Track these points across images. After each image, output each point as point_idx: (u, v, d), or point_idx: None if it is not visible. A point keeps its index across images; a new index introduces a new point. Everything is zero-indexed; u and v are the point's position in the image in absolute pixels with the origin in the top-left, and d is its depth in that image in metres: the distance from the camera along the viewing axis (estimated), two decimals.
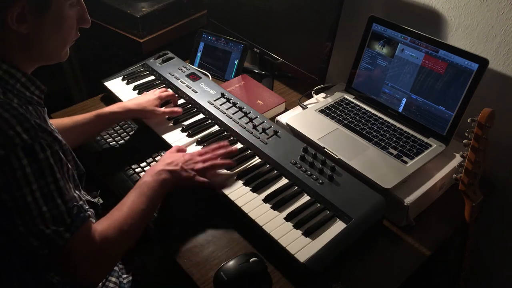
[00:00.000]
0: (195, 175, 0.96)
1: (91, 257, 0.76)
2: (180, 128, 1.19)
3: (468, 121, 0.91)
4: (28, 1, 0.71)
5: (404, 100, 1.17)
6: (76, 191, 0.78)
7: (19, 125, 0.68)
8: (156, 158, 1.12)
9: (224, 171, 1.04)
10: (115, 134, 1.20)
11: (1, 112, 0.68)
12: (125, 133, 1.21)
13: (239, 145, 1.13)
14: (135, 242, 0.86)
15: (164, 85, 1.36)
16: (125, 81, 1.38)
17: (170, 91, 1.26)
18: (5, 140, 0.67)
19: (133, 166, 1.10)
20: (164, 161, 0.97)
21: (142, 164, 1.10)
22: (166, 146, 1.15)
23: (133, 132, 1.22)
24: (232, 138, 1.15)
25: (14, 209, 0.69)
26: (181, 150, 1.05)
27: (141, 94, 1.32)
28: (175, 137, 1.17)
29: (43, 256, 0.71)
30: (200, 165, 0.98)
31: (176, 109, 1.22)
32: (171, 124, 1.21)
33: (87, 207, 0.80)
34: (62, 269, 0.76)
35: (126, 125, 1.24)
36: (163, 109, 1.20)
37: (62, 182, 0.73)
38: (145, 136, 1.21)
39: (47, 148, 0.71)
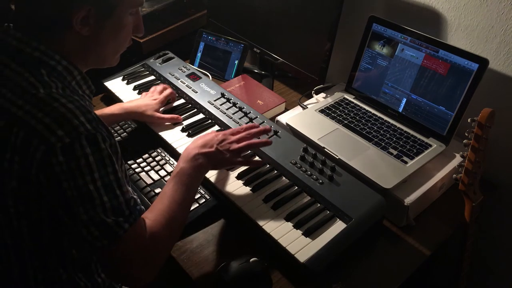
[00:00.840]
0: (231, 156, 0.94)
1: (143, 253, 0.75)
2: (180, 128, 1.19)
3: (468, 121, 0.91)
4: (95, 6, 0.73)
5: (404, 100, 1.17)
6: (129, 186, 0.79)
7: (82, 115, 0.70)
8: (153, 155, 1.12)
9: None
10: (115, 134, 1.20)
11: (65, 102, 0.69)
12: (124, 133, 1.21)
13: None
14: (182, 229, 0.85)
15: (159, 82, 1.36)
16: (125, 81, 1.38)
17: (168, 90, 1.26)
18: (71, 128, 0.68)
19: (133, 166, 1.10)
20: (197, 144, 0.94)
21: (142, 164, 1.10)
22: (166, 145, 1.15)
23: (131, 130, 1.22)
24: None
25: (77, 197, 0.69)
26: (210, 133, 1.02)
27: (141, 94, 1.32)
28: (175, 136, 1.17)
29: (101, 247, 0.71)
30: (235, 145, 0.95)
31: (176, 116, 1.21)
32: (171, 124, 1.21)
33: (139, 201, 0.79)
34: (114, 264, 0.74)
35: (126, 125, 1.23)
36: (162, 115, 1.20)
37: (120, 173, 0.74)
38: (144, 134, 1.20)
39: (107, 139, 0.72)
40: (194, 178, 0.89)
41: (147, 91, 1.33)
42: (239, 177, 1.04)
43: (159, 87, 1.28)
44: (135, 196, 0.77)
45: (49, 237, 0.77)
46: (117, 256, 0.73)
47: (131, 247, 0.73)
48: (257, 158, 1.04)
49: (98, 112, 1.13)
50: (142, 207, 0.78)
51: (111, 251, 0.72)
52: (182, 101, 1.30)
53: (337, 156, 1.06)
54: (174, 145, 1.14)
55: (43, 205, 0.73)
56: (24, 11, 0.75)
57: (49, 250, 0.78)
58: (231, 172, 1.05)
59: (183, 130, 1.19)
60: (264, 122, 1.15)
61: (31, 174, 0.69)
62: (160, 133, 1.18)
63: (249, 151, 1.05)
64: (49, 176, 0.68)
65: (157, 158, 1.12)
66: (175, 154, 1.13)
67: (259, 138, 1.02)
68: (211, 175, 1.04)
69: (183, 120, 1.22)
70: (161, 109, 1.25)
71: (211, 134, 0.97)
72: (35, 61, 0.73)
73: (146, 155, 1.13)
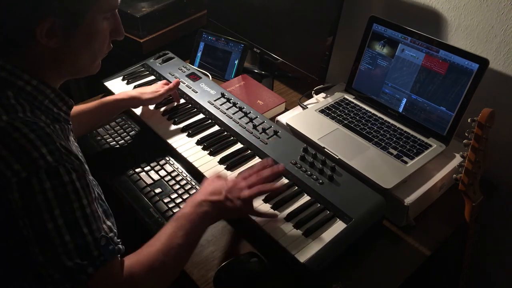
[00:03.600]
0: (241, 204, 0.86)
1: None
2: (180, 128, 1.19)
3: (468, 121, 0.91)
4: (59, 16, 0.68)
5: (404, 100, 1.17)
6: (108, 221, 0.73)
7: (44, 146, 0.64)
8: (160, 163, 1.12)
9: (266, 207, 0.95)
10: (115, 134, 1.20)
11: (27, 132, 0.64)
12: (125, 133, 1.21)
13: (239, 145, 1.13)
14: (170, 283, 0.77)
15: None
16: (125, 81, 1.38)
17: (172, 83, 1.26)
18: (29, 161, 0.63)
19: (133, 167, 1.10)
20: (205, 190, 0.87)
21: (142, 164, 1.10)
22: (166, 146, 1.15)
23: (133, 132, 1.22)
24: (232, 138, 1.15)
25: (33, 236, 0.63)
26: (221, 177, 0.93)
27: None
28: (175, 136, 1.17)
29: None
30: (246, 192, 0.86)
31: (173, 82, 1.23)
32: (171, 124, 1.21)
33: (119, 240, 0.73)
34: None
35: (126, 125, 1.23)
36: (163, 88, 1.21)
37: (89, 209, 0.67)
38: (145, 136, 1.20)
39: (72, 172, 0.66)
40: (195, 226, 0.80)
41: None
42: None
43: (161, 82, 1.29)
44: (110, 234, 0.70)
45: (10, 276, 0.70)
46: None
47: None
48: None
49: (102, 99, 1.14)
50: (120, 246, 0.71)
51: None
52: (182, 101, 1.30)
53: (337, 156, 1.06)
54: (174, 145, 1.14)
55: (3, 240, 0.67)
56: None
57: (24, 277, 0.71)
58: (231, 172, 1.05)
59: (183, 130, 1.19)
60: (264, 122, 1.15)
61: None
62: (160, 134, 1.18)
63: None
64: (6, 213, 0.63)
65: (157, 158, 1.12)
66: (175, 154, 1.13)
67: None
68: (211, 174, 1.04)
69: (183, 121, 1.22)
70: (161, 109, 1.25)
71: (221, 181, 0.89)
72: (1, 82, 0.68)
73: (154, 163, 1.12)
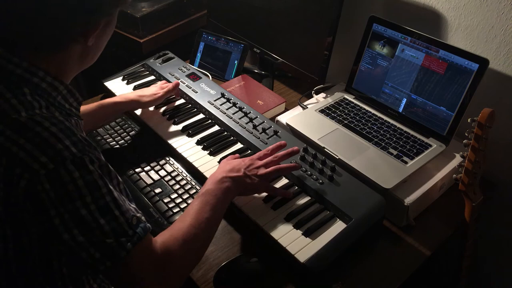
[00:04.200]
0: (259, 181, 0.91)
1: (154, 270, 0.71)
2: (180, 128, 1.19)
3: (468, 121, 0.91)
4: (105, 20, 0.72)
5: (404, 100, 1.17)
6: (132, 205, 0.74)
7: (67, 138, 0.66)
8: (160, 163, 1.12)
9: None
10: (115, 134, 1.20)
11: (48, 126, 0.66)
12: (125, 133, 1.21)
13: (239, 145, 1.13)
14: (203, 254, 0.82)
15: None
16: (125, 81, 1.38)
17: (171, 84, 1.26)
18: (54, 154, 0.64)
19: (133, 167, 1.10)
20: (223, 168, 0.92)
21: (142, 164, 1.10)
22: (166, 146, 1.15)
23: (133, 132, 1.22)
24: (232, 138, 1.15)
25: (69, 223, 0.65)
26: (236, 157, 0.99)
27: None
28: (175, 136, 1.17)
29: (105, 269, 0.67)
30: (263, 170, 0.93)
31: (172, 83, 1.24)
32: (171, 124, 1.21)
33: (145, 219, 0.75)
34: (123, 284, 0.70)
35: (126, 125, 1.23)
36: (163, 90, 1.22)
37: (116, 193, 0.70)
38: (145, 136, 1.20)
39: (95, 161, 0.68)
40: (220, 200, 0.85)
41: None
42: None
43: (160, 82, 1.29)
44: (138, 215, 0.73)
45: (38, 260, 0.72)
46: (125, 276, 0.69)
47: (139, 266, 0.69)
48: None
49: (101, 101, 1.15)
50: (148, 224, 0.74)
51: (118, 272, 0.68)
52: (182, 101, 1.30)
53: (337, 156, 1.06)
54: (174, 145, 1.14)
55: (31, 231, 0.69)
56: (24, 32, 0.69)
57: (36, 271, 0.73)
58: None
59: (183, 130, 1.19)
60: (264, 122, 1.15)
61: (17, 202, 0.65)
62: (160, 134, 1.18)
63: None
64: (36, 204, 0.65)
65: (157, 158, 1.12)
66: (175, 154, 1.13)
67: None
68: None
69: (183, 121, 1.22)
70: (161, 109, 1.25)
71: (237, 160, 0.95)
72: (17, 79, 0.69)
73: (154, 163, 1.12)
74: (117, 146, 1.17)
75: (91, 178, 0.67)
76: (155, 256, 0.72)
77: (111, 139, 1.19)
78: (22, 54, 0.70)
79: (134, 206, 0.75)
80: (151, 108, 1.27)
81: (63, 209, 0.65)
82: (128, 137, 1.20)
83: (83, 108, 1.11)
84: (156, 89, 1.24)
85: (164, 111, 1.25)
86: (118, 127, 1.23)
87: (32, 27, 0.68)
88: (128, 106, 1.20)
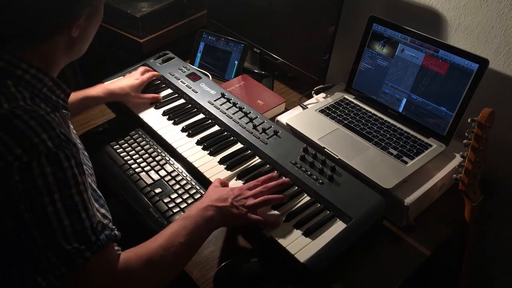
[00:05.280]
0: (246, 212, 0.88)
1: (110, 285, 0.69)
2: (180, 128, 1.19)
3: (468, 121, 0.91)
4: (90, 8, 0.72)
5: (404, 100, 1.17)
6: (102, 209, 0.73)
7: (44, 132, 0.65)
8: (153, 155, 1.12)
9: (274, 211, 0.95)
10: (119, 138, 1.19)
11: (27, 119, 0.65)
12: (128, 136, 1.20)
13: (239, 145, 1.13)
14: (168, 281, 0.77)
15: (164, 85, 1.36)
16: None
17: (149, 73, 1.31)
18: (29, 146, 0.64)
19: (133, 166, 1.10)
20: (210, 197, 0.89)
21: (142, 164, 1.10)
22: (166, 145, 1.15)
23: (135, 134, 1.21)
24: (232, 138, 1.15)
25: (32, 219, 0.64)
26: (224, 183, 0.98)
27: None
28: (175, 136, 1.16)
29: (60, 275, 0.66)
30: (251, 201, 0.89)
31: (156, 95, 1.27)
32: (171, 124, 1.21)
33: (114, 227, 0.75)
34: None
35: (133, 132, 1.21)
36: (144, 95, 1.26)
37: (86, 195, 0.68)
38: (146, 136, 1.20)
39: (71, 158, 0.67)
40: (199, 228, 0.82)
41: (147, 89, 1.34)
42: (239, 177, 1.04)
43: (141, 68, 1.32)
44: (106, 221, 0.71)
45: (12, 261, 0.71)
46: (78, 285, 0.67)
47: (94, 278, 0.68)
48: (273, 212, 0.95)
49: (84, 94, 1.15)
50: (116, 232, 0.73)
51: (73, 280, 0.67)
52: (182, 101, 1.30)
53: (337, 156, 1.06)
54: (174, 145, 1.14)
55: (4, 226, 0.67)
56: (4, 24, 0.69)
57: (10, 277, 0.72)
58: (231, 172, 1.05)
59: (183, 130, 1.19)
60: (264, 122, 1.15)
61: None
62: (161, 134, 1.18)
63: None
64: (7, 196, 0.64)
65: (157, 158, 1.12)
66: (175, 154, 1.13)
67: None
68: (211, 175, 1.04)
69: (183, 121, 1.22)
70: (161, 109, 1.25)
71: (226, 189, 0.92)
72: (0, 72, 0.69)
73: (146, 155, 1.13)
74: (117, 146, 1.17)
75: (62, 175, 0.66)
76: (113, 270, 0.70)
77: (113, 142, 1.18)
78: (5, 47, 0.70)
79: (104, 212, 0.73)
80: (152, 108, 1.27)
81: (29, 204, 0.64)
82: (132, 140, 1.19)
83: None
84: (134, 76, 1.27)
85: (164, 111, 1.25)
86: (136, 143, 1.18)
87: (11, 20, 0.68)
88: (110, 99, 1.23)
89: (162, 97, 1.30)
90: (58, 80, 0.76)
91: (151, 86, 1.36)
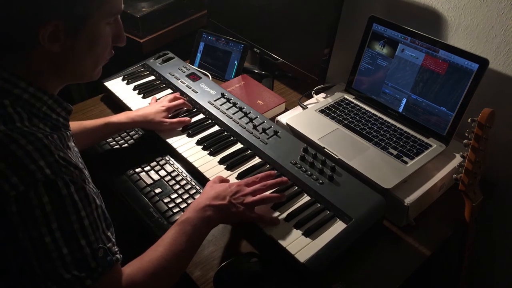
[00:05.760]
0: (244, 209, 0.87)
1: None
2: (180, 128, 1.19)
3: (468, 121, 0.91)
4: (63, 19, 0.66)
5: (404, 100, 1.17)
6: (107, 231, 0.72)
7: (42, 159, 0.63)
8: (160, 163, 1.12)
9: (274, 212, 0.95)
10: (120, 139, 1.19)
11: (24, 144, 0.63)
12: (125, 133, 1.21)
13: (239, 145, 1.13)
14: (173, 283, 0.78)
15: (164, 85, 1.36)
16: (125, 81, 1.38)
17: (179, 100, 1.23)
18: (26, 174, 0.62)
19: (133, 167, 1.10)
20: (208, 194, 0.88)
21: (142, 164, 1.10)
22: (166, 146, 1.15)
23: (132, 132, 1.21)
24: (232, 138, 1.15)
25: (31, 249, 0.63)
26: (224, 180, 0.96)
27: (141, 94, 1.33)
28: (175, 136, 1.16)
29: None
30: (250, 199, 0.89)
31: (183, 119, 1.18)
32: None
33: (117, 249, 0.73)
34: None
35: (133, 132, 1.22)
36: (171, 120, 1.17)
37: (87, 221, 0.67)
38: (145, 136, 1.20)
39: (71, 184, 0.65)
40: (198, 230, 0.82)
41: (147, 91, 1.34)
42: (239, 177, 1.04)
43: (171, 96, 1.24)
44: (108, 245, 0.70)
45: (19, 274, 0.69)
46: None
47: None
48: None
49: (108, 120, 1.11)
50: (118, 256, 0.71)
51: None
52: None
53: (337, 156, 1.06)
54: (174, 145, 1.14)
55: (4, 254, 0.66)
56: None
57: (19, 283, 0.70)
58: (231, 172, 1.05)
59: (183, 130, 1.18)
60: (264, 122, 1.15)
61: None
62: (160, 134, 1.18)
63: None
64: (6, 225, 0.62)
65: (157, 158, 1.12)
66: (175, 154, 1.13)
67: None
68: (211, 175, 1.04)
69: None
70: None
71: (224, 185, 0.91)
72: None
73: (154, 163, 1.12)
74: (117, 146, 1.17)
75: (61, 203, 0.64)
76: None
77: (111, 139, 1.18)
78: (2, 64, 0.68)
79: (109, 234, 0.72)
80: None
81: (27, 234, 0.62)
82: (128, 137, 1.20)
83: (88, 124, 1.08)
84: (162, 113, 1.17)
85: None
86: (125, 133, 1.21)
87: None
88: (133, 126, 1.18)
89: (162, 97, 1.28)
90: (58, 97, 0.74)
91: (151, 86, 1.36)
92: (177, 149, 1.12)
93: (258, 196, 0.90)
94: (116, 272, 0.71)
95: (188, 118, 1.20)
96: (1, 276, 0.68)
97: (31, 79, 0.70)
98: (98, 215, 0.71)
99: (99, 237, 0.69)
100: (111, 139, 1.19)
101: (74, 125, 1.04)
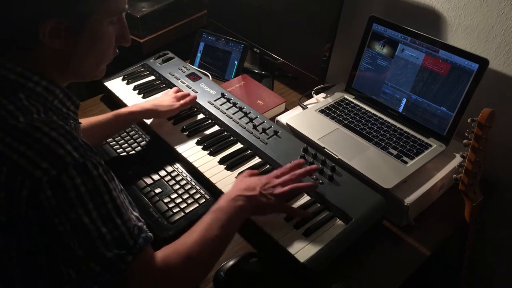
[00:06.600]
0: (275, 200, 0.88)
1: (153, 284, 0.70)
2: (180, 128, 1.19)
3: (468, 121, 0.91)
4: (63, 18, 0.67)
5: (404, 100, 1.17)
6: (134, 212, 0.73)
7: (68, 143, 0.64)
8: (167, 169, 1.12)
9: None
10: (124, 143, 1.18)
11: (48, 131, 0.64)
12: (124, 133, 1.21)
13: (239, 145, 1.13)
14: (207, 273, 0.79)
15: (164, 85, 1.37)
16: (125, 81, 1.38)
17: (191, 97, 1.23)
18: (56, 159, 0.63)
19: (133, 168, 1.10)
20: (239, 186, 0.89)
21: (143, 165, 1.10)
22: (166, 146, 1.15)
23: (133, 132, 1.21)
24: (232, 138, 1.15)
25: (70, 232, 0.64)
26: (253, 174, 0.96)
27: (141, 94, 1.33)
28: (175, 137, 1.16)
29: (105, 282, 0.66)
30: (279, 189, 0.89)
31: (189, 97, 1.21)
32: (171, 125, 1.21)
33: (147, 229, 0.74)
34: None
35: (136, 135, 1.20)
36: (179, 102, 1.19)
37: (119, 200, 0.68)
38: (146, 136, 1.20)
39: (99, 166, 0.67)
40: (231, 218, 0.82)
41: (147, 91, 1.34)
42: None
43: (175, 88, 1.26)
44: (140, 224, 0.72)
45: (45, 265, 0.70)
46: (120, 286, 0.68)
47: (138, 279, 0.68)
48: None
49: (117, 111, 1.11)
50: (150, 234, 0.73)
51: (117, 284, 0.67)
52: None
53: (337, 156, 1.06)
54: (174, 145, 1.14)
55: (35, 240, 0.67)
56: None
57: (43, 276, 0.71)
58: (231, 172, 1.05)
59: (183, 130, 1.18)
60: (264, 122, 1.15)
61: (20, 211, 0.63)
62: (160, 134, 1.18)
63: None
64: (39, 212, 0.63)
65: (157, 158, 1.12)
66: (175, 154, 1.13)
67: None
68: (211, 175, 1.04)
69: (183, 121, 1.22)
70: None
71: (254, 178, 0.92)
72: (11, 84, 0.68)
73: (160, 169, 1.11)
74: (117, 146, 1.17)
75: (93, 184, 0.65)
76: (155, 270, 0.71)
77: (110, 139, 1.18)
78: (15, 58, 0.69)
79: (137, 214, 0.73)
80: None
81: (65, 217, 0.64)
82: (128, 137, 1.19)
83: (96, 119, 1.09)
84: (171, 98, 1.20)
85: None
86: (128, 136, 1.20)
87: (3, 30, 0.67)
88: (144, 115, 1.18)
89: (165, 91, 1.27)
90: (68, 91, 0.75)
91: (151, 86, 1.36)
92: (177, 149, 1.12)
93: (288, 187, 0.90)
94: (151, 253, 0.72)
95: (194, 94, 1.22)
96: (41, 265, 0.70)
97: (43, 73, 0.71)
98: (125, 196, 0.73)
99: (131, 216, 0.70)
100: (114, 142, 1.17)
101: (82, 121, 1.04)
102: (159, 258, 0.72)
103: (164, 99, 1.20)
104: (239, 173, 1.04)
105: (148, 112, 1.17)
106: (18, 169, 0.62)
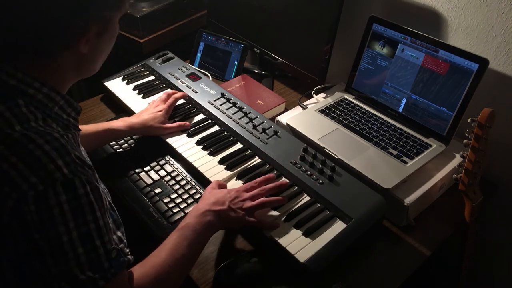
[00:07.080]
0: (244, 214, 0.88)
1: None
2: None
3: (468, 121, 0.91)
4: (99, 24, 0.70)
5: (404, 100, 1.17)
6: (118, 232, 0.72)
7: (60, 158, 0.64)
8: (160, 163, 1.12)
9: (274, 212, 0.94)
10: (121, 140, 1.18)
11: (42, 143, 0.64)
12: (131, 140, 1.19)
13: (239, 145, 1.13)
14: None
15: (164, 85, 1.36)
16: (125, 81, 1.38)
17: (173, 96, 1.22)
18: (45, 174, 0.62)
19: (133, 167, 1.10)
20: (207, 200, 0.88)
21: (146, 168, 1.10)
22: (166, 146, 1.15)
23: (138, 137, 1.20)
24: (232, 138, 1.15)
25: (47, 249, 0.63)
26: (222, 185, 0.97)
27: (141, 94, 1.32)
28: (175, 137, 1.16)
29: None
30: (249, 204, 0.89)
31: (183, 123, 1.18)
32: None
33: (128, 250, 0.74)
34: None
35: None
36: (170, 125, 1.16)
37: (102, 221, 0.67)
38: (146, 136, 1.20)
39: (87, 184, 0.66)
40: (199, 235, 0.82)
41: (147, 91, 1.34)
42: (239, 177, 1.04)
43: (163, 95, 1.23)
44: (120, 245, 0.71)
45: (20, 285, 0.69)
46: None
47: None
48: (272, 212, 0.94)
49: (108, 126, 1.10)
50: (129, 257, 0.73)
51: None
52: (182, 101, 1.30)
53: (337, 156, 1.06)
54: (174, 145, 1.14)
55: (15, 252, 0.66)
56: (12, 41, 0.68)
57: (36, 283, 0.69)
58: (231, 172, 1.05)
59: (183, 130, 1.18)
60: (264, 122, 1.15)
61: (2, 221, 0.62)
62: (162, 136, 1.18)
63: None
64: (21, 225, 0.62)
65: (157, 158, 1.12)
66: (175, 154, 1.13)
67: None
68: (211, 175, 1.04)
69: (183, 120, 1.21)
70: None
71: (223, 191, 0.92)
72: (11, 90, 0.67)
73: (154, 163, 1.12)
74: (117, 146, 1.17)
75: (78, 203, 0.65)
76: None
77: (117, 145, 1.17)
78: (17, 64, 0.69)
79: (120, 235, 0.73)
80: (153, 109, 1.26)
81: (45, 233, 0.63)
82: (132, 140, 1.19)
83: (90, 128, 1.08)
84: (151, 108, 1.18)
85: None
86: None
87: (17, 35, 0.67)
88: (133, 134, 1.17)
89: (155, 100, 1.25)
90: (69, 98, 0.75)
91: (151, 86, 1.36)
92: (177, 149, 1.12)
93: (257, 201, 0.90)
94: (126, 275, 0.71)
95: (187, 123, 1.19)
96: (14, 277, 0.68)
97: (45, 79, 0.70)
98: (109, 215, 0.72)
99: (111, 238, 0.69)
100: (114, 143, 1.17)
101: None
102: (131, 283, 0.71)
103: (154, 116, 1.15)
104: (221, 158, 1.05)
105: (137, 131, 1.15)
106: (7, 179, 0.62)
